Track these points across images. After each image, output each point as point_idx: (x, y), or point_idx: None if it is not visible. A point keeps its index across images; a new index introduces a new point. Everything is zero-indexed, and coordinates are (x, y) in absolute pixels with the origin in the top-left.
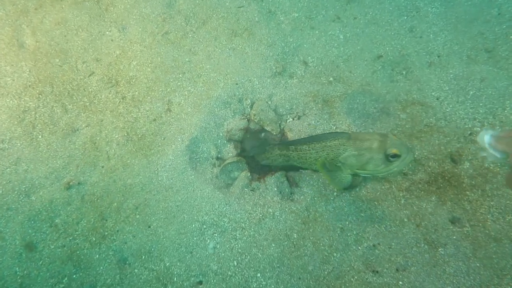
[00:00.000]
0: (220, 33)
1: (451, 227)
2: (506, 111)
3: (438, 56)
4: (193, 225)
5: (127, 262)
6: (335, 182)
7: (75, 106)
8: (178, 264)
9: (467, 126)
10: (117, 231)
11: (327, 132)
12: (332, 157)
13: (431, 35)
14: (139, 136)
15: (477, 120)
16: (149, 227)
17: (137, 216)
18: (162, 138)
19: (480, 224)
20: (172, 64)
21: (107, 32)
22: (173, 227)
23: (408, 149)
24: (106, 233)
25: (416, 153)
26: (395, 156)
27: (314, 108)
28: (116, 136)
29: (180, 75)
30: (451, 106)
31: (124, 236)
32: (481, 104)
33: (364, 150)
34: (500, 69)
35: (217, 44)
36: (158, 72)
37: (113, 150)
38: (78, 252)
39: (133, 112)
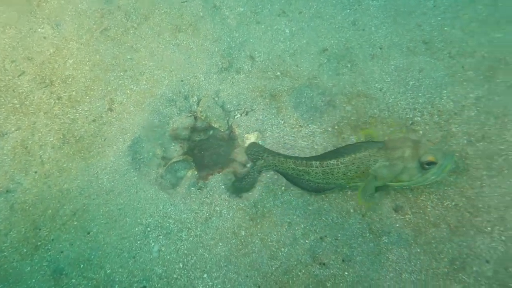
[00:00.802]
0: (163, 28)
1: (395, 215)
2: (443, 100)
3: (380, 48)
4: (137, 229)
5: (64, 273)
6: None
7: (3, 108)
8: (120, 270)
9: (408, 116)
10: (52, 240)
11: (356, 143)
12: (363, 170)
13: (373, 28)
14: (77, 138)
15: (417, 110)
16: (89, 233)
17: (75, 223)
18: (103, 139)
19: (421, 211)
20: (112, 61)
21: (39, 29)
22: (115, 232)
23: (445, 154)
24: (39, 243)
25: None
26: (431, 163)
27: (261, 103)
28: (51, 139)
29: (122, 73)
30: (393, 97)
31: (60, 245)
32: (420, 94)
33: (396, 159)
34: (436, 60)
35: (160, 40)
36: (97, 70)
37: (47, 154)
38: (6, 266)
39: (70, 113)
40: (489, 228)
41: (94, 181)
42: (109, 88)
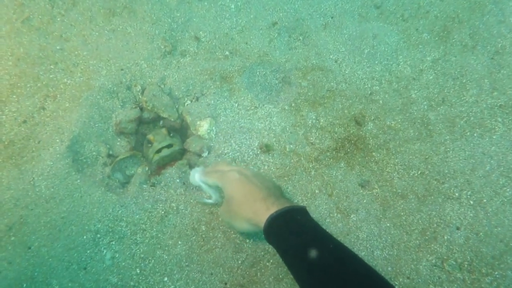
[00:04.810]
0: (95, 13)
1: (361, 191)
2: (400, 66)
3: (332, 17)
4: (85, 237)
5: None
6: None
7: None
8: (69, 285)
9: (366, 86)
10: None
11: None
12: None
13: None
14: (6, 143)
15: (375, 78)
16: (29, 248)
17: (12, 238)
18: (37, 142)
19: (388, 183)
20: (39, 54)
21: None
22: (60, 243)
23: (166, 144)
24: None
25: (321, 121)
26: (150, 142)
27: (212, 87)
28: None
29: (52, 66)
30: (349, 67)
31: None
32: (376, 62)
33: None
34: (389, 24)
35: (93, 26)
36: (23, 65)
37: None
38: None
39: None
40: (457, 194)
41: (31, 189)
42: (39, 84)
